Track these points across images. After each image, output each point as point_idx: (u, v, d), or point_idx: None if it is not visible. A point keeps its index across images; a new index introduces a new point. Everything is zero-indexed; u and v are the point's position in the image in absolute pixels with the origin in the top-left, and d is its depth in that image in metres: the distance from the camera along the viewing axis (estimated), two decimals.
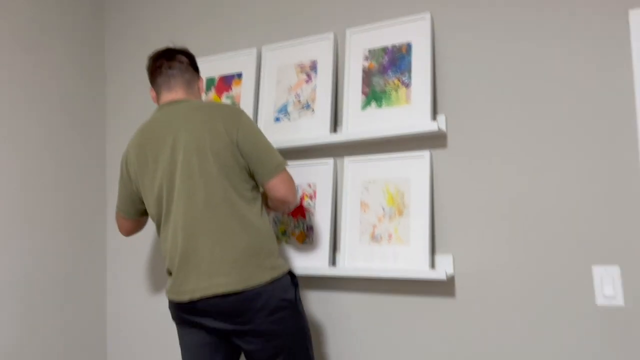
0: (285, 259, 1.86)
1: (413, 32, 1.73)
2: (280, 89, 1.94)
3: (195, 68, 1.70)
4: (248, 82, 2.00)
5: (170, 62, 1.64)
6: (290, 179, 1.58)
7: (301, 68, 1.91)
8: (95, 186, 2.33)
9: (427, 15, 1.72)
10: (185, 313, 1.54)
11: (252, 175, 1.56)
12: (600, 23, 1.51)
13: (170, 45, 1.81)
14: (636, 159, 1.44)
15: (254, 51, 2.02)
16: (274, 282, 1.49)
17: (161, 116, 1.60)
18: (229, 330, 1.51)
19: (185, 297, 1.50)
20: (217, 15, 2.17)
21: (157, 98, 1.68)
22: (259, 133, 1.57)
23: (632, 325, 1.42)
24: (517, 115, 1.60)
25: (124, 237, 2.33)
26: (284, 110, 1.91)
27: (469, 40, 1.68)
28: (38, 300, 2.07)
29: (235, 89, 2.02)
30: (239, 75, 2.03)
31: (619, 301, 1.44)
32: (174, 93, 1.63)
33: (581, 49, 1.53)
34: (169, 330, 2.20)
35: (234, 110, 1.58)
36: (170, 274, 1.58)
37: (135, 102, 2.35)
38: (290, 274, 1.58)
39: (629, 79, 1.46)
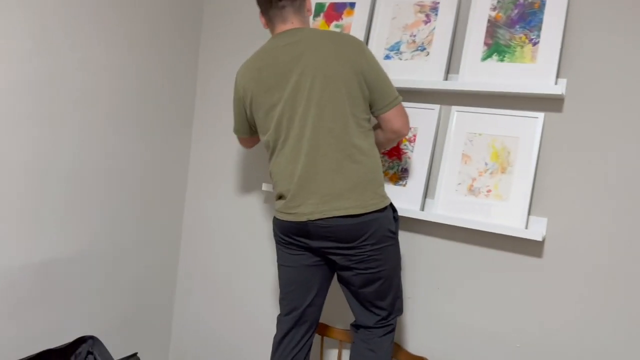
0: None
1: None
2: (395, 26, 1.90)
3: None
4: (361, 13, 1.95)
5: None
6: (405, 113, 1.64)
7: (420, 7, 1.86)
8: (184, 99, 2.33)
9: None
10: (294, 234, 1.59)
11: (369, 107, 1.60)
12: None
13: None
14: None
15: None
16: (384, 211, 1.57)
17: (282, 43, 1.60)
18: (334, 254, 1.57)
19: (301, 218, 1.54)
20: None
21: (270, 26, 1.68)
22: (379, 64, 1.62)
23: None
24: None
25: (207, 149, 2.37)
26: (396, 49, 1.88)
27: (608, 8, 1.63)
28: (122, 194, 2.14)
29: (346, 19, 1.98)
30: (352, 5, 1.97)
31: None
32: (290, 24, 1.65)
33: None
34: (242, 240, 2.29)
35: (358, 40, 1.60)
36: (281, 197, 1.62)
37: (230, 29, 2.31)
38: (392, 207, 1.63)
39: None
